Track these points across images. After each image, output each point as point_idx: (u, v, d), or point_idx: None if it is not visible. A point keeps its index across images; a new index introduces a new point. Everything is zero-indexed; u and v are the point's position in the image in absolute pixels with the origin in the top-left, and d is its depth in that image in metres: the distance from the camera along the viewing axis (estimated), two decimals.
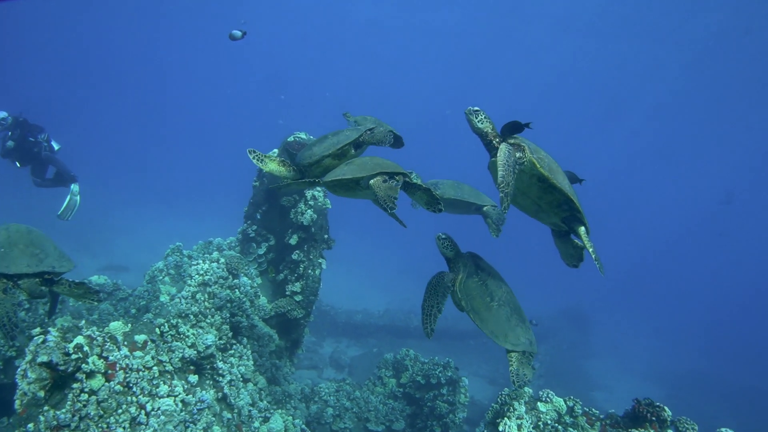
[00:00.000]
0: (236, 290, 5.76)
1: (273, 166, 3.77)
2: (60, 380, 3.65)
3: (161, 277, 7.70)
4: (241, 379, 5.34)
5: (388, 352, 8.75)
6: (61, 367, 3.54)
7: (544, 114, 46.81)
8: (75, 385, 3.61)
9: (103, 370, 3.73)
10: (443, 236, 3.65)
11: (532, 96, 45.45)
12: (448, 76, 48.09)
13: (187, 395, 4.28)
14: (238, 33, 5.82)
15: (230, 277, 5.77)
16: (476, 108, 3.27)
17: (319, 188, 6.51)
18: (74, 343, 3.63)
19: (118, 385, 3.78)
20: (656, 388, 17.61)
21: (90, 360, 3.65)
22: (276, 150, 7.02)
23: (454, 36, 39.56)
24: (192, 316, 5.01)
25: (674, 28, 28.11)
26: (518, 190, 3.35)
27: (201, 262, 5.65)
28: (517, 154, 3.10)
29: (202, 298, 5.29)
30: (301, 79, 56.18)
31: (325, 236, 6.54)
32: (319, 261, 6.50)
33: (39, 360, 3.52)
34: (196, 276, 5.47)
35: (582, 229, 3.37)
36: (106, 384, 3.72)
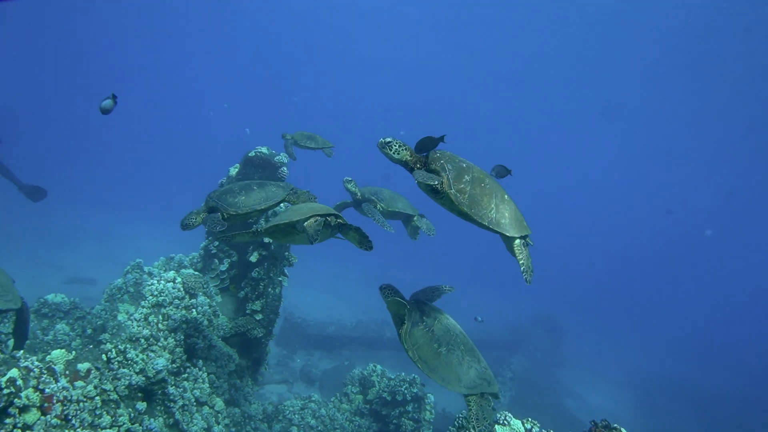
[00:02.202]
0: (193, 310, 5.60)
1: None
2: None
3: (120, 296, 7.50)
4: (195, 403, 5.19)
5: (361, 364, 8.64)
6: None
7: (542, 115, 46.70)
8: (8, 421, 3.43)
9: (38, 404, 3.57)
10: (384, 286, 3.55)
11: (530, 98, 45.02)
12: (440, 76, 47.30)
13: (132, 424, 4.13)
14: (109, 102, 5.16)
15: (187, 296, 5.62)
16: (388, 139, 3.13)
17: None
18: (7, 376, 3.46)
19: (56, 419, 3.61)
20: (628, 394, 17.83)
21: (23, 394, 3.48)
22: (238, 165, 6.92)
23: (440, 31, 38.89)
24: (143, 340, 4.85)
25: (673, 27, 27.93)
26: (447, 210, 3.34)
27: (155, 281, 5.48)
28: (435, 182, 3.04)
29: (155, 320, 5.13)
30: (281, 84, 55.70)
31: (286, 253, 6.42)
32: (280, 279, 6.38)
33: None
34: (150, 297, 5.31)
35: (517, 241, 3.30)
36: (42, 418, 3.56)
